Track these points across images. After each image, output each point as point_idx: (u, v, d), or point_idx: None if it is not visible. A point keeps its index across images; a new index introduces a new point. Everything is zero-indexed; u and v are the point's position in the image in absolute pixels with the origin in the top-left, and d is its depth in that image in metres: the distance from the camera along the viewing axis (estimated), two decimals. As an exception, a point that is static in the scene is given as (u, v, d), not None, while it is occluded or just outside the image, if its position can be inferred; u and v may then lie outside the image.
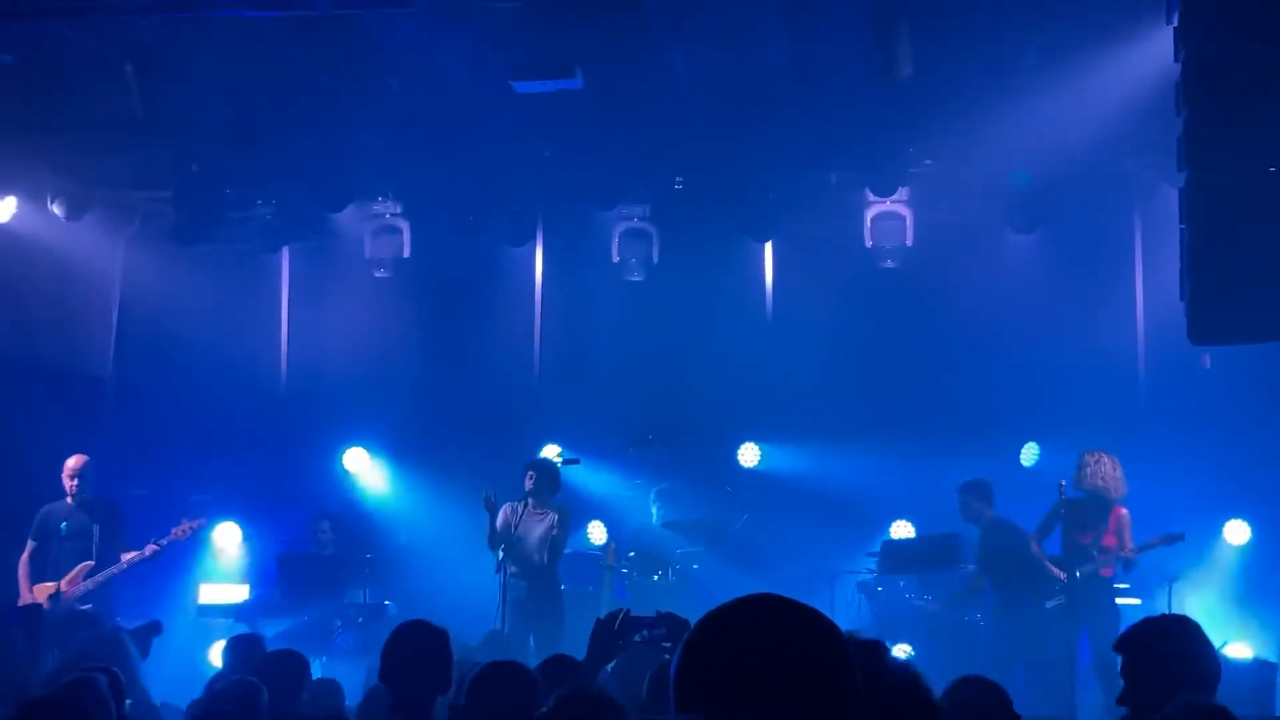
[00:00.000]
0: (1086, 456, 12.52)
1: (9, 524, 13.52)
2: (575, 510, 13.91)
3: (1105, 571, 12.40)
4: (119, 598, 13.01)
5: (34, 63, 12.64)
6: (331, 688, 7.85)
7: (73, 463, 12.91)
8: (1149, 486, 13.03)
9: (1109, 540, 12.33)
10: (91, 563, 12.61)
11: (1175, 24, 8.41)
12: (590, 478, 15.27)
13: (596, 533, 15.16)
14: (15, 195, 14.36)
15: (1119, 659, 5.39)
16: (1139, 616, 12.93)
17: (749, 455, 15.81)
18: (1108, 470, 12.41)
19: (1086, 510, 12.43)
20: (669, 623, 7.45)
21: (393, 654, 6.12)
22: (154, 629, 9.80)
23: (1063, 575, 12.38)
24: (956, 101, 12.59)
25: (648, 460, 15.58)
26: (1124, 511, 12.41)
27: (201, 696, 7.65)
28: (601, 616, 6.52)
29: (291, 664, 7.63)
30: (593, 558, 14.59)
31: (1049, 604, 12.56)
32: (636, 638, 7.98)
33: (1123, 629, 11.54)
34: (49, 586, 12.43)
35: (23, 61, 12.61)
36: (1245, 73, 8.03)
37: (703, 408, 15.83)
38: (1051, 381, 14.77)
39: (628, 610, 6.43)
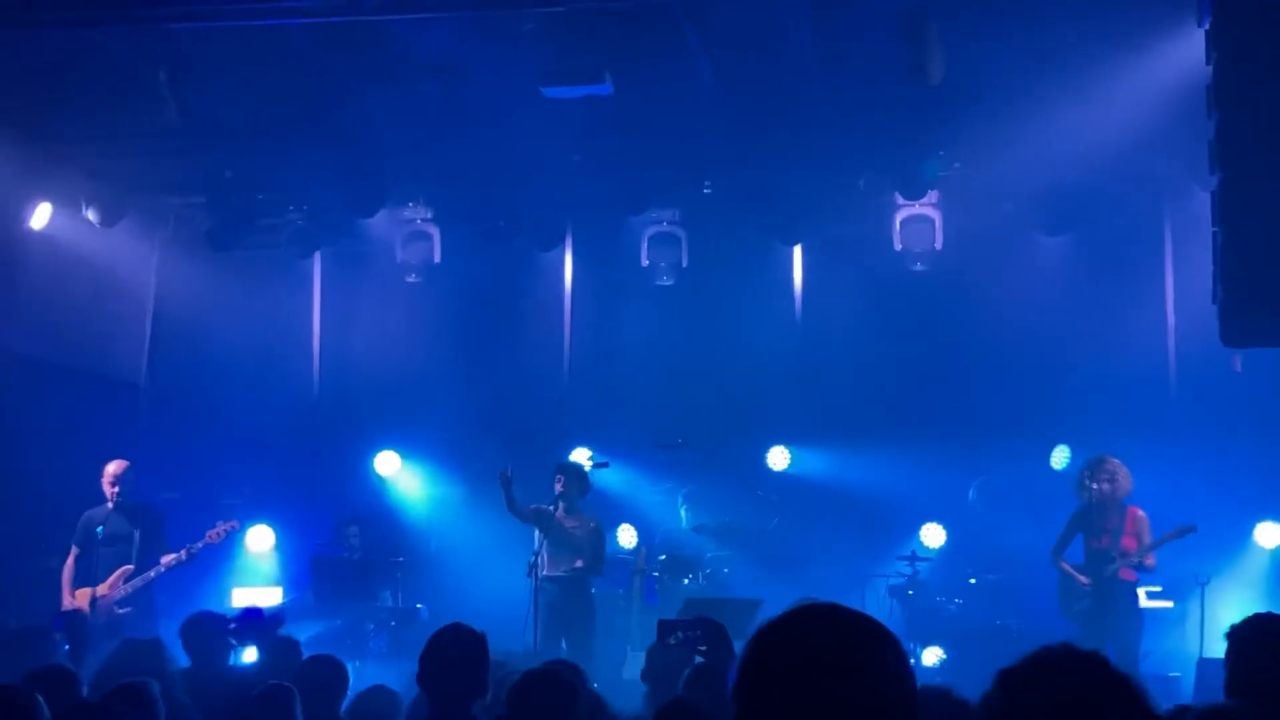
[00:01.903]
0: (1087, 468, 12.55)
1: (45, 530, 13.62)
2: (605, 514, 13.96)
3: (1127, 574, 12.36)
4: (157, 601, 13.08)
5: (68, 70, 12.71)
6: (384, 696, 7.82)
7: (113, 467, 12.98)
8: (1180, 489, 13.02)
9: (1128, 542, 12.32)
10: (130, 567, 12.67)
11: (1206, 26, 8.41)
12: (620, 481, 15.31)
13: (626, 536, 15.20)
14: (50, 202, 14.44)
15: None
16: (1171, 620, 13.02)
17: (779, 458, 15.83)
18: (1111, 472, 12.40)
19: (1100, 515, 12.43)
20: (704, 626, 7.52)
21: (431, 658, 6.12)
22: (276, 621, 9.79)
23: (1086, 581, 12.38)
24: (986, 104, 12.55)
25: (677, 464, 15.62)
26: (1140, 512, 12.39)
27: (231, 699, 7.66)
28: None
29: (327, 669, 7.62)
30: (623, 561, 14.62)
31: (1075, 608, 12.54)
32: (672, 640, 8.04)
33: (1145, 633, 11.51)
34: (88, 592, 12.51)
35: (57, 68, 12.68)
36: (1278, 74, 8.02)
37: (732, 411, 15.84)
38: (1082, 384, 14.75)
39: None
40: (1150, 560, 12.30)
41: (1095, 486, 12.38)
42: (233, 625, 9.09)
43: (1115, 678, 2.45)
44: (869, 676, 2.35)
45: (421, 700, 6.53)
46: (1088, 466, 12.60)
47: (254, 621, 9.14)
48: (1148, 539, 12.30)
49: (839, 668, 2.34)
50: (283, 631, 9.66)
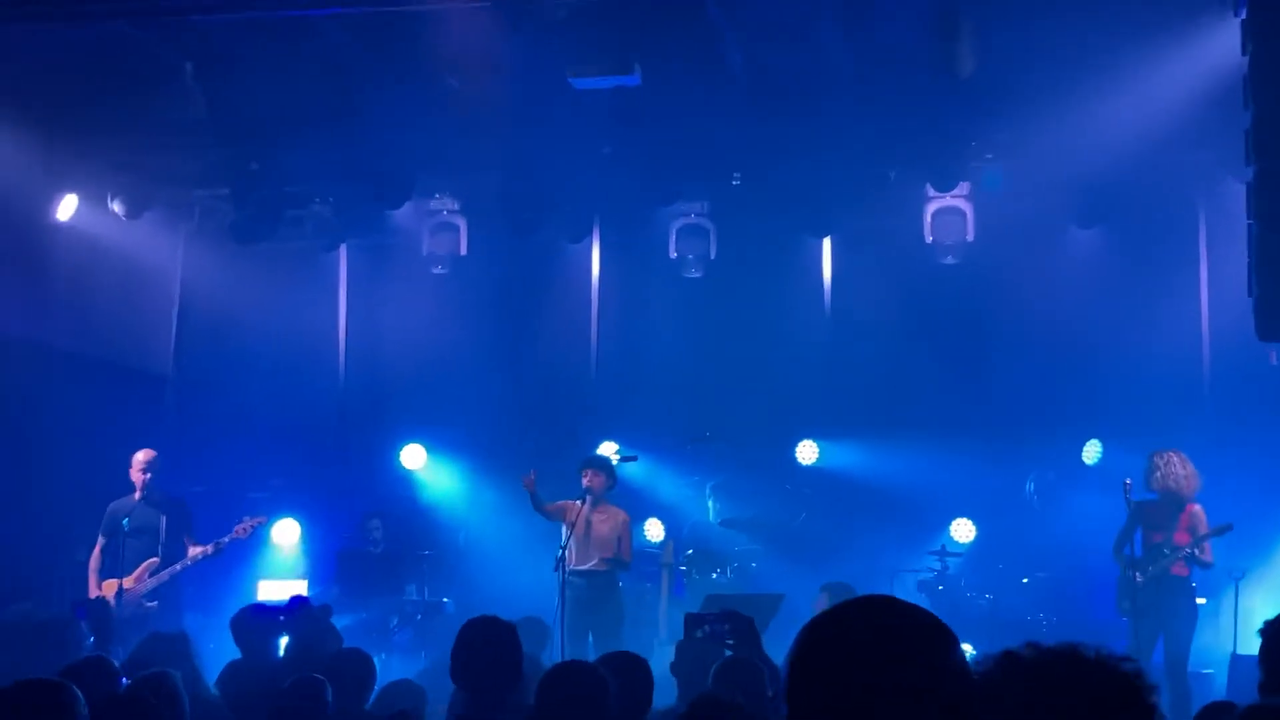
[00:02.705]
0: (1155, 459, 12.30)
1: (73, 522, 13.64)
2: (632, 507, 13.91)
3: (1179, 570, 12.17)
4: (184, 594, 13.09)
5: (95, 63, 12.71)
6: (410, 690, 7.80)
7: (141, 456, 12.99)
8: (1214, 483, 12.87)
9: (1181, 538, 12.14)
10: (156, 559, 12.68)
11: (1242, 16, 8.31)
12: (647, 475, 15.26)
13: (654, 530, 15.15)
14: (76, 194, 14.46)
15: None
16: (1205, 616, 12.89)
17: (807, 452, 15.76)
18: (1177, 469, 12.23)
19: (1159, 510, 12.26)
20: (732, 619, 7.47)
21: (463, 651, 6.06)
22: (326, 611, 9.76)
23: (1139, 576, 12.23)
24: (1018, 95, 12.46)
25: (705, 457, 15.55)
26: (1197, 508, 12.19)
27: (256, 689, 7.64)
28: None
29: (356, 662, 7.61)
30: (651, 555, 14.57)
31: (1124, 604, 12.41)
32: (699, 633, 8.00)
33: (1197, 629, 11.35)
34: (114, 584, 12.52)
35: (83, 61, 12.68)
36: (1316, 65, 7.92)
37: (760, 405, 15.77)
38: (1114, 378, 14.64)
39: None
40: (1206, 555, 12.10)
41: (1168, 479, 12.13)
42: (281, 617, 9.06)
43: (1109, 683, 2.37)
44: (925, 669, 2.31)
45: (456, 694, 6.48)
46: (1162, 457, 12.37)
47: (301, 610, 9.10)
48: (1203, 532, 12.12)
49: (893, 661, 2.29)
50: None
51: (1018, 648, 2.43)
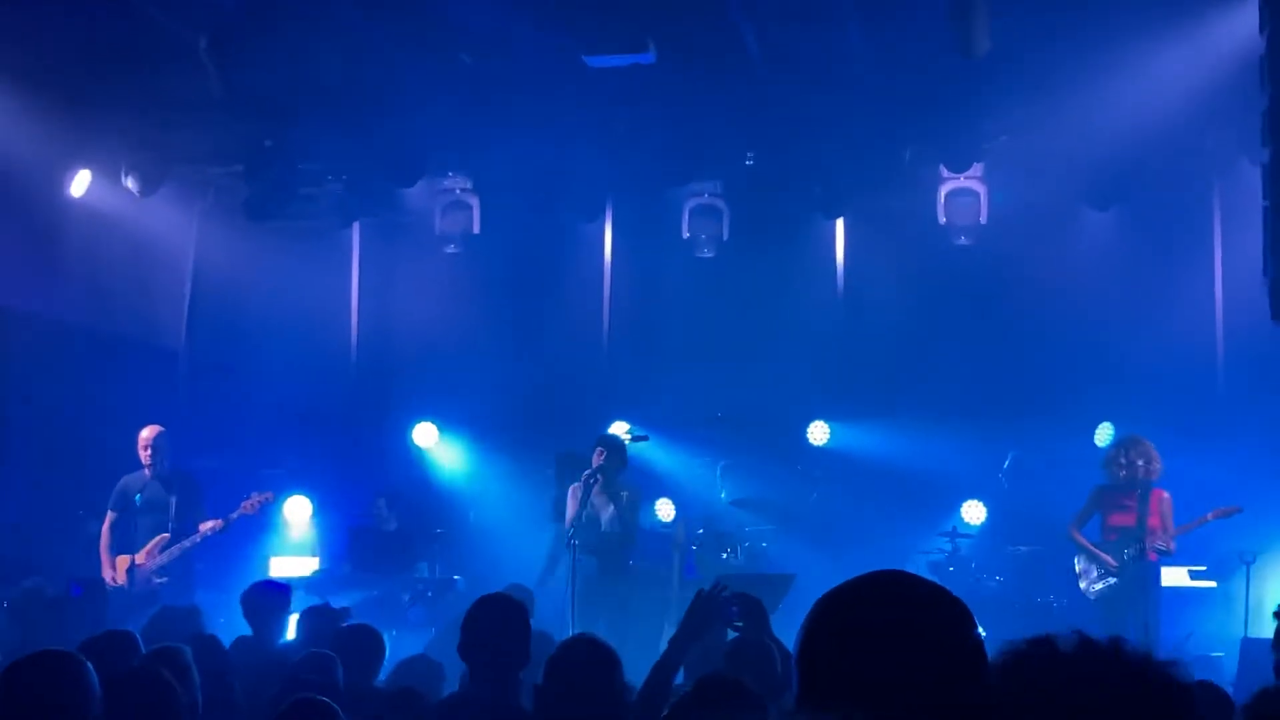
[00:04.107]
0: (1130, 445, 12.49)
1: (86, 497, 13.68)
2: (644, 488, 13.88)
3: (1152, 557, 12.33)
4: (195, 570, 13.12)
5: (109, 38, 12.70)
6: (427, 665, 7.79)
7: (146, 433, 13.02)
8: (1227, 466, 12.88)
9: (1155, 523, 12.27)
10: (167, 535, 12.71)
11: (1261, -4, 8.26)
12: (659, 455, 15.24)
13: (665, 510, 15.14)
14: (90, 169, 14.47)
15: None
16: (1215, 599, 12.90)
17: (819, 433, 15.75)
18: (1153, 456, 12.34)
19: (1124, 495, 12.37)
20: (742, 602, 7.45)
21: (472, 628, 6.06)
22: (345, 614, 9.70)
23: (1112, 561, 12.33)
24: (1033, 76, 12.40)
25: (716, 438, 15.55)
26: (1166, 495, 12.36)
27: (269, 669, 7.66)
28: (704, 589, 6.48)
29: (365, 638, 7.62)
30: (662, 535, 14.56)
31: (1096, 588, 12.48)
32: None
33: (1188, 614, 11.40)
34: (125, 559, 12.54)
35: (97, 37, 12.67)
36: (1334, 46, 7.88)
37: (772, 385, 15.75)
38: (1127, 360, 14.60)
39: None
40: (1172, 545, 12.28)
41: (1138, 464, 12.30)
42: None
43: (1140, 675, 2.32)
44: (937, 641, 2.29)
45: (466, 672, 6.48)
46: (1123, 444, 12.56)
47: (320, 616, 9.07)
48: (1171, 522, 12.28)
49: (904, 634, 2.28)
50: (322, 601, 9.68)
51: (1058, 635, 2.39)
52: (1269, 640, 5.78)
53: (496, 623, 6.06)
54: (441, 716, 5.99)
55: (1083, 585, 12.65)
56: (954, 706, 2.25)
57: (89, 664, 5.04)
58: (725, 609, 7.03)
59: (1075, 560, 12.75)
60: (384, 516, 14.88)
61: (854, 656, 2.27)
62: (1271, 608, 5.84)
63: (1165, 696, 2.28)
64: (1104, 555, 12.43)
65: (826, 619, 2.35)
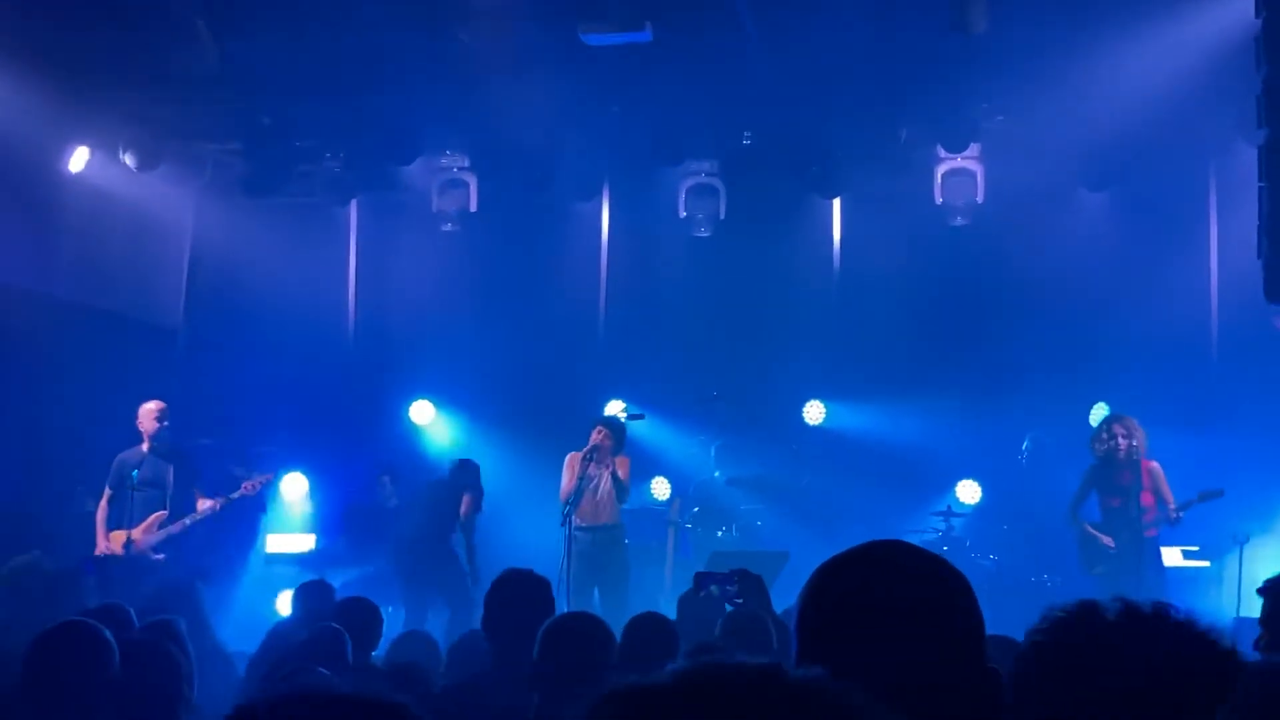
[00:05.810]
0: (1116, 424, 12.54)
1: (83, 474, 13.69)
2: (639, 465, 13.92)
3: (1150, 533, 12.36)
4: (190, 547, 13.13)
5: (107, 14, 12.68)
6: (422, 641, 7.82)
7: (151, 407, 13.01)
8: (1221, 447, 12.92)
9: (1146, 498, 12.30)
10: (165, 512, 12.70)
11: (1257, -22, 8.27)
12: (654, 433, 15.29)
13: (660, 488, 15.20)
14: (88, 146, 14.46)
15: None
16: (1208, 579, 12.95)
17: (814, 413, 15.80)
18: (1139, 433, 12.38)
19: (1118, 474, 12.41)
20: (741, 578, 7.51)
21: (496, 603, 6.01)
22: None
23: (1110, 542, 12.38)
24: (1030, 57, 12.41)
25: (712, 417, 15.58)
26: (1154, 465, 12.39)
27: (273, 644, 7.69)
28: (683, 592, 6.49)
29: (364, 612, 7.64)
30: (657, 513, 14.62)
31: (1095, 570, 12.53)
32: (702, 594, 8.03)
33: (1181, 593, 11.47)
34: (122, 535, 12.56)
35: (96, 13, 12.65)
36: (1329, 27, 7.89)
37: (768, 365, 15.81)
38: (1122, 341, 14.65)
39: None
40: (1174, 513, 12.33)
41: (1119, 441, 12.33)
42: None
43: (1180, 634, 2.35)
44: (934, 613, 2.31)
45: (469, 640, 6.46)
46: (1107, 422, 12.63)
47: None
48: (1166, 490, 12.31)
49: (903, 604, 2.29)
50: (316, 576, 9.69)
51: (1101, 602, 2.42)
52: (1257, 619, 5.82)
53: (521, 600, 6.01)
54: (463, 696, 5.88)
55: (1085, 566, 12.67)
56: (956, 675, 2.27)
57: (108, 631, 5.30)
58: (723, 584, 7.08)
59: (1079, 542, 12.78)
60: (388, 493, 14.92)
61: (854, 625, 2.29)
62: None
63: (1210, 659, 2.33)
64: (1103, 538, 12.47)
65: (823, 585, 2.36)
